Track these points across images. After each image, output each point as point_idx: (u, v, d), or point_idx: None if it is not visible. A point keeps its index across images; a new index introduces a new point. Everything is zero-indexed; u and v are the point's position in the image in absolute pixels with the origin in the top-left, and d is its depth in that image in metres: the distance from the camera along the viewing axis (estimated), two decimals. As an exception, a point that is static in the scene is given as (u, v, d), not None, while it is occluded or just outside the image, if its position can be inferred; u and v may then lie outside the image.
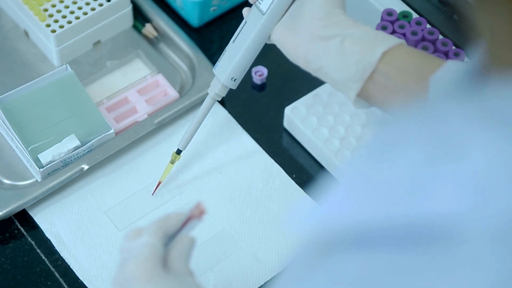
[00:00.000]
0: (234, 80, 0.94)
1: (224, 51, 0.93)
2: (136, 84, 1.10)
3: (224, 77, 0.93)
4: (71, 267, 0.98)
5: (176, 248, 0.73)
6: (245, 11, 0.92)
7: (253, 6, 0.91)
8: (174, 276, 0.71)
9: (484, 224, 0.42)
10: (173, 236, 0.75)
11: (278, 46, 0.90)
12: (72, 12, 1.11)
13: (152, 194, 1.03)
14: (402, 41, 0.83)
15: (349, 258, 0.47)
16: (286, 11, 0.89)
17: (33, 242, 1.00)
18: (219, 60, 0.94)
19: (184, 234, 0.75)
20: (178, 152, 1.02)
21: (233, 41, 0.92)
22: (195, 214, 0.75)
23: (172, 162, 1.03)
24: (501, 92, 0.45)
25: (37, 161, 1.01)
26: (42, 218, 1.01)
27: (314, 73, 0.87)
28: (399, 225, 0.45)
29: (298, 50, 0.86)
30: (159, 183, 1.03)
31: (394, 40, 0.82)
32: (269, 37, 0.90)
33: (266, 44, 0.91)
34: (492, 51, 0.47)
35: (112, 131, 1.04)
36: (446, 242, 0.43)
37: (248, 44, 0.91)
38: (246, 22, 0.91)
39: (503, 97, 0.45)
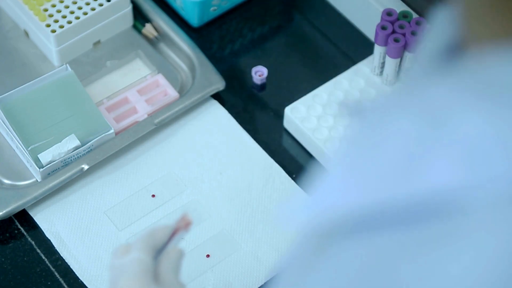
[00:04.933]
0: None
1: None
2: (136, 84, 1.10)
3: None
4: (71, 267, 0.98)
5: (165, 262, 0.74)
6: None
7: None
8: None
9: (483, 192, 0.42)
10: (161, 249, 0.75)
11: None
12: (72, 12, 1.11)
13: None
14: None
15: (351, 245, 0.47)
16: None
17: (33, 242, 1.00)
18: None
19: (172, 247, 0.76)
20: None
21: None
22: (181, 226, 0.76)
23: None
24: (481, 63, 0.45)
25: (37, 161, 1.01)
26: (42, 218, 1.01)
27: None
28: (399, 205, 0.44)
29: None
30: None
31: None
32: None
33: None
34: (469, 25, 0.47)
35: (112, 131, 1.04)
36: (449, 215, 0.43)
37: None
38: None
39: (484, 67, 0.44)
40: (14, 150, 1.05)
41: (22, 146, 1.02)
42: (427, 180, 0.43)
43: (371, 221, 0.46)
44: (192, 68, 1.13)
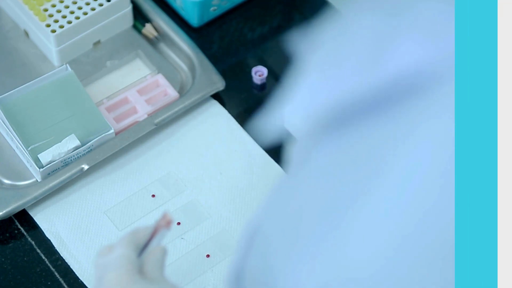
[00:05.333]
0: None
1: None
2: (136, 84, 1.10)
3: None
4: (71, 267, 0.98)
5: (150, 259, 0.75)
6: None
7: None
8: (153, 283, 0.72)
9: (451, 62, 0.43)
10: (144, 247, 0.76)
11: None
12: (72, 12, 1.11)
13: None
14: None
15: (331, 144, 0.48)
16: None
17: (33, 242, 1.00)
18: None
19: (155, 244, 0.77)
20: None
21: None
22: (162, 225, 0.77)
23: None
24: None
25: (37, 161, 1.01)
26: (42, 218, 1.01)
27: None
28: (374, 91, 0.45)
29: None
30: None
31: None
32: None
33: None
34: None
35: (112, 131, 1.04)
36: (430, 88, 0.44)
37: None
38: None
39: None
40: (14, 150, 1.05)
41: (22, 146, 1.02)
42: (398, 61, 0.45)
43: (349, 113, 0.47)
44: (192, 68, 1.13)
